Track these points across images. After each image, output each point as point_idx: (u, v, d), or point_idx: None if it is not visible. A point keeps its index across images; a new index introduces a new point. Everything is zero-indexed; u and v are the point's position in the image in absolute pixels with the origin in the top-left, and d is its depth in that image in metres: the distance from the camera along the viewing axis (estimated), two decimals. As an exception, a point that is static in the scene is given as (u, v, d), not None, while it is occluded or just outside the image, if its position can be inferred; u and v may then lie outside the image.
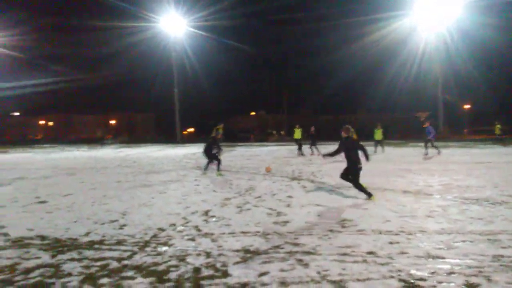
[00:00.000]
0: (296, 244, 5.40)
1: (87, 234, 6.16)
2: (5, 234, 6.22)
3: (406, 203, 8.05)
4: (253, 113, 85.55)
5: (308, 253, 5.03)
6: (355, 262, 4.67)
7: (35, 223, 6.96)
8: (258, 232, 6.09)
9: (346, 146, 8.62)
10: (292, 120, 66.56)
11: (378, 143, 22.05)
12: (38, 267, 4.73)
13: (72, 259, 4.98)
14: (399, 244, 5.35)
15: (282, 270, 4.44)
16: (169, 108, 52.10)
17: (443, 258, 4.77)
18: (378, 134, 21.89)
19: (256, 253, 5.08)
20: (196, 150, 25.49)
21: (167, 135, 53.99)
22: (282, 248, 5.26)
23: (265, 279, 4.21)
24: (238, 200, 8.73)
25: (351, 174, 8.59)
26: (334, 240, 5.58)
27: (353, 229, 6.15)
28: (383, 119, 39.75)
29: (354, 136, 8.72)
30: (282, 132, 66.20)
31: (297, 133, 21.96)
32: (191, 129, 76.86)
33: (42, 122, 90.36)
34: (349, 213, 7.22)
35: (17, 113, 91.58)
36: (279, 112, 72.41)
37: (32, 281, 4.30)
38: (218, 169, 13.55)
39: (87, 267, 4.70)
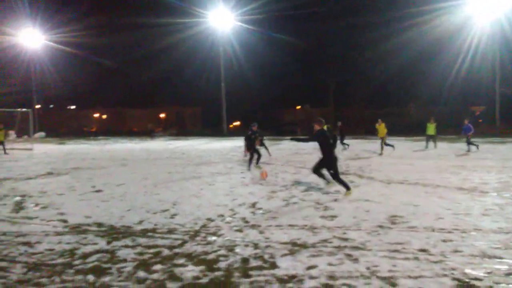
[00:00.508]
0: (345, 239, 5.35)
1: (140, 222, 6.42)
2: (65, 221, 6.59)
3: (460, 200, 7.75)
4: (298, 107, 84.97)
5: (357, 248, 4.97)
6: (406, 259, 4.57)
7: (92, 210, 7.33)
8: (306, 225, 6.09)
9: (320, 139, 8.38)
10: (338, 114, 65.45)
11: (430, 138, 21.12)
12: (95, 252, 4.99)
13: (127, 246, 5.21)
14: (453, 242, 5.18)
15: (330, 264, 4.42)
16: (216, 102, 52.84)
17: (500, 258, 4.57)
18: (431, 129, 20.84)
19: (304, 246, 5.08)
20: (242, 143, 25.72)
21: (214, 128, 54.79)
22: (330, 242, 5.23)
23: (313, 272, 4.21)
24: (285, 194, 8.75)
25: (330, 167, 8.40)
26: (384, 236, 5.47)
27: (404, 225, 6.00)
28: (435, 113, 38.22)
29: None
30: (328, 126, 65.36)
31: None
32: (237, 123, 77.58)
33: (96, 115, 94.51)
34: (400, 209, 7.05)
35: (73, 107, 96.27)
36: (325, 105, 71.47)
37: (89, 265, 4.54)
38: (257, 163, 13.67)
39: (140, 253, 4.90)
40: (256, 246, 5.13)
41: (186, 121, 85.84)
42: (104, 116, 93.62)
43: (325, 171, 8.61)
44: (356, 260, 4.53)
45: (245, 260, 4.61)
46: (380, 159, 15.88)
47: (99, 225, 6.31)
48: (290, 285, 3.92)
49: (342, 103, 66.91)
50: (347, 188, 8.33)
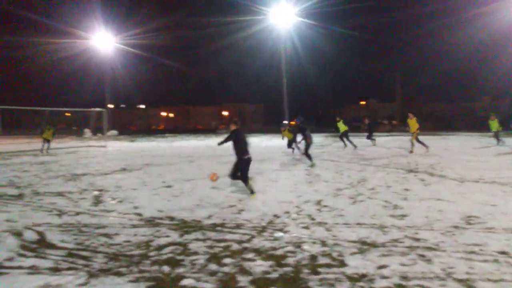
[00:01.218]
0: (417, 239, 5.17)
1: (209, 217, 6.63)
2: (139, 214, 6.96)
3: (545, 201, 7.18)
4: (363, 102, 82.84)
5: (430, 248, 4.78)
6: (484, 261, 4.33)
7: (164, 205, 7.68)
8: (374, 224, 5.95)
9: (234, 138, 8.38)
10: (405, 108, 62.96)
11: (497, 134, 20.10)
12: (169, 244, 5.22)
13: (198, 239, 5.40)
14: (537, 245, 4.82)
15: (402, 264, 4.29)
16: (278, 98, 52.97)
17: None
18: (494, 126, 19.98)
19: (374, 245, 4.98)
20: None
21: (276, 125, 54.97)
22: (402, 242, 5.08)
23: (384, 272, 4.11)
24: (351, 191, 8.60)
25: (239, 166, 8.35)
26: (459, 237, 5.22)
27: (481, 226, 5.68)
28: (501, 107, 35.51)
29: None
30: (394, 122, 63.07)
31: (342, 126, 20.84)
32: (299, 119, 77.24)
33: (163, 113, 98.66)
34: (476, 209, 6.68)
35: (142, 106, 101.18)
36: (392, 100, 69.05)
37: (164, 257, 4.76)
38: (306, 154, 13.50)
39: (211, 247, 5.06)
40: (323, 243, 5.11)
41: (247, 118, 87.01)
42: (171, 115, 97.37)
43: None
44: (429, 261, 4.37)
45: (313, 257, 4.60)
46: (452, 156, 15.09)
47: (171, 218, 6.60)
48: (361, 284, 3.86)
49: (409, 97, 64.34)
50: (252, 191, 8.25)
